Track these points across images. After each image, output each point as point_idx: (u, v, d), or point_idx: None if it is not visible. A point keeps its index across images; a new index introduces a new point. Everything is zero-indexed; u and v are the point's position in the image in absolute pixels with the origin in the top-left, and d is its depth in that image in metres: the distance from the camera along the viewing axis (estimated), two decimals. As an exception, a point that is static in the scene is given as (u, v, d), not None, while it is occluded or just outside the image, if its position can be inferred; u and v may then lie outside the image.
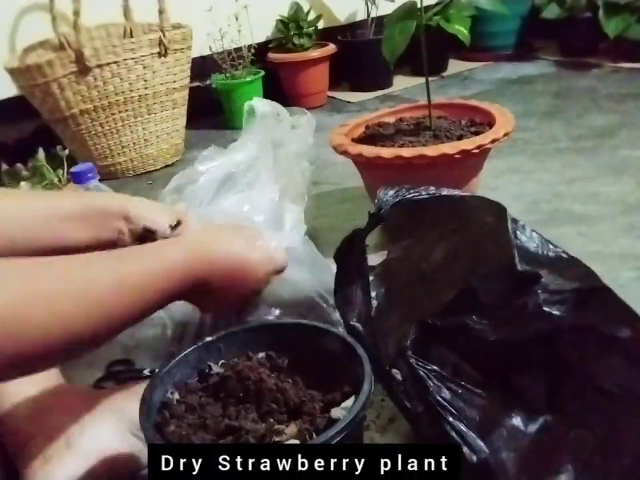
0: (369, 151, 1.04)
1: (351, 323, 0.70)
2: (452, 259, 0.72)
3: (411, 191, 0.69)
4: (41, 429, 0.65)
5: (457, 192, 0.70)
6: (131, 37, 1.79)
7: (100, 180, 0.99)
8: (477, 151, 1.01)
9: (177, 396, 0.59)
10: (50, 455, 0.63)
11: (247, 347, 0.63)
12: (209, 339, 0.63)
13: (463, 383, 0.56)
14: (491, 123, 1.10)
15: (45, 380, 0.70)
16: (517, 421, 0.54)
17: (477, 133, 1.08)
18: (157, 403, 0.57)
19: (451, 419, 0.53)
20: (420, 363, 0.56)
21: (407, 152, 1.00)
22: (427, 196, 0.68)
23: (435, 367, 0.56)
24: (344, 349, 0.59)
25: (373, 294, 0.77)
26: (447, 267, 0.70)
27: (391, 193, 0.69)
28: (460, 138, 1.07)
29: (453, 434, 0.53)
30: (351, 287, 0.73)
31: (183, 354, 0.61)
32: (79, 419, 0.66)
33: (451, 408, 0.54)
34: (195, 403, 0.57)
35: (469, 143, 1.01)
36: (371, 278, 0.80)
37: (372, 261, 0.76)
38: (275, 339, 0.63)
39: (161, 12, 1.68)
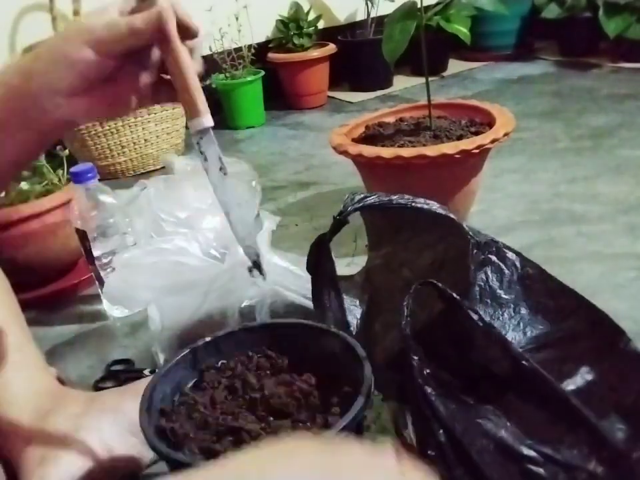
0: (369, 151, 1.04)
1: None
2: (438, 267, 0.72)
3: (382, 198, 0.68)
4: (40, 432, 0.65)
5: (432, 204, 0.68)
6: (131, 36, 1.78)
7: (100, 180, 0.99)
8: (476, 151, 1.01)
9: (176, 396, 0.59)
10: (47, 455, 0.63)
11: (246, 346, 0.63)
12: (208, 338, 0.63)
13: (458, 397, 0.55)
14: (490, 123, 1.10)
15: (44, 384, 0.70)
16: (489, 425, 0.53)
17: (477, 133, 1.08)
18: (157, 403, 0.57)
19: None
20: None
21: (406, 152, 1.00)
22: (396, 205, 0.67)
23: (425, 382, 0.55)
24: (344, 349, 0.59)
25: (357, 301, 0.78)
26: (433, 275, 0.69)
27: (358, 197, 0.69)
28: (460, 138, 1.07)
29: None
30: (325, 293, 0.73)
31: (182, 354, 0.61)
32: (78, 420, 0.66)
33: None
34: (194, 403, 0.57)
35: (468, 143, 1.01)
36: (354, 285, 0.81)
37: (352, 269, 0.75)
38: (274, 339, 0.63)
39: (161, 12, 1.68)
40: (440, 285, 0.55)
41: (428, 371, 0.53)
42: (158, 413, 0.56)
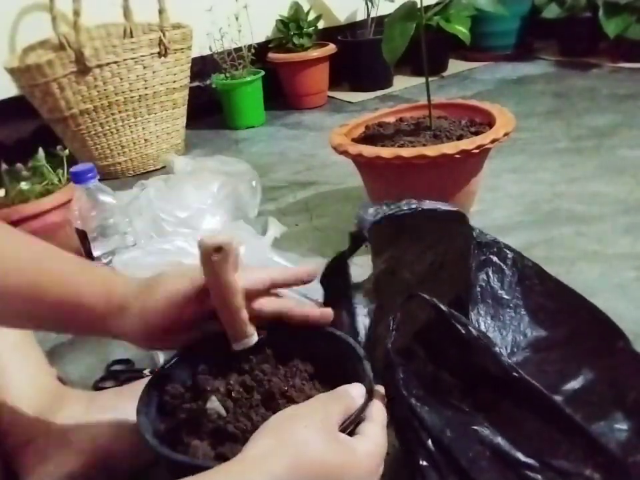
0: (369, 151, 1.04)
1: None
2: (437, 269, 0.72)
3: (392, 207, 0.68)
4: (40, 431, 0.65)
5: (439, 205, 0.68)
6: (131, 36, 1.78)
7: (100, 180, 0.99)
8: (476, 151, 1.01)
9: (175, 396, 0.59)
10: (47, 453, 0.63)
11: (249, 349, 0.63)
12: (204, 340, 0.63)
13: (448, 402, 0.55)
14: (490, 123, 1.10)
15: (45, 383, 0.70)
16: (485, 432, 0.53)
17: (477, 133, 1.08)
18: (155, 402, 0.57)
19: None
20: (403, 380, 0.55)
21: (406, 152, 1.00)
22: (408, 210, 0.67)
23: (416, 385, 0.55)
24: (344, 350, 0.58)
25: (365, 311, 0.77)
26: (432, 277, 0.69)
27: (371, 211, 0.68)
28: (460, 138, 1.07)
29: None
30: (338, 310, 0.73)
31: (181, 354, 0.61)
32: (77, 419, 0.66)
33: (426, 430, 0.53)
34: (192, 403, 0.57)
35: (468, 143, 1.01)
36: (361, 295, 0.80)
37: (353, 270, 0.75)
38: (274, 341, 0.63)
39: (160, 12, 1.68)
40: (427, 296, 0.55)
41: (417, 381, 0.53)
42: (156, 412, 0.56)
